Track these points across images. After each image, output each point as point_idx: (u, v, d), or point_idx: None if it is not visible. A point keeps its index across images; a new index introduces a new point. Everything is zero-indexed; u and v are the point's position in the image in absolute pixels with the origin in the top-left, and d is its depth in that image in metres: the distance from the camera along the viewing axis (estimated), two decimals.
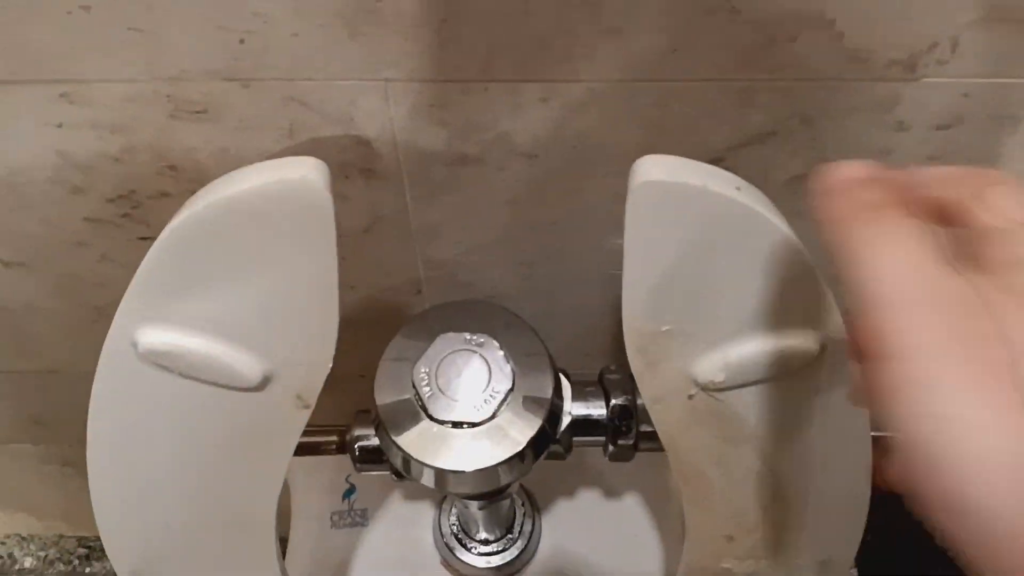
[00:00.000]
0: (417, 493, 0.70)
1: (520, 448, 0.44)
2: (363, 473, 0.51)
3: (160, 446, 0.46)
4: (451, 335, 0.47)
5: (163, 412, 0.45)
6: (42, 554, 1.08)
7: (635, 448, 0.49)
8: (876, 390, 0.26)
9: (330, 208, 0.38)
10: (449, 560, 0.68)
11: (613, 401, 0.48)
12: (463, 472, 0.44)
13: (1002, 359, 0.24)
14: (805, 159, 0.48)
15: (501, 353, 0.46)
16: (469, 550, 0.67)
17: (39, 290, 0.60)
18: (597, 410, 0.48)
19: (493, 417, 0.45)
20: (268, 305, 0.41)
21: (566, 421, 0.47)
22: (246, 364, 0.42)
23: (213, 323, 0.41)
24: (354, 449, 0.50)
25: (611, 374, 0.49)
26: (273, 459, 0.47)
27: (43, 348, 0.67)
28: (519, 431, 0.45)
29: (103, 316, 0.49)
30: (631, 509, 0.70)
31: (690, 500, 0.48)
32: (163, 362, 0.42)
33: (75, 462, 0.80)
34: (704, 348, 0.42)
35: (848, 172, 0.29)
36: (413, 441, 0.44)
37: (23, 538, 1.07)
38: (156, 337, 0.42)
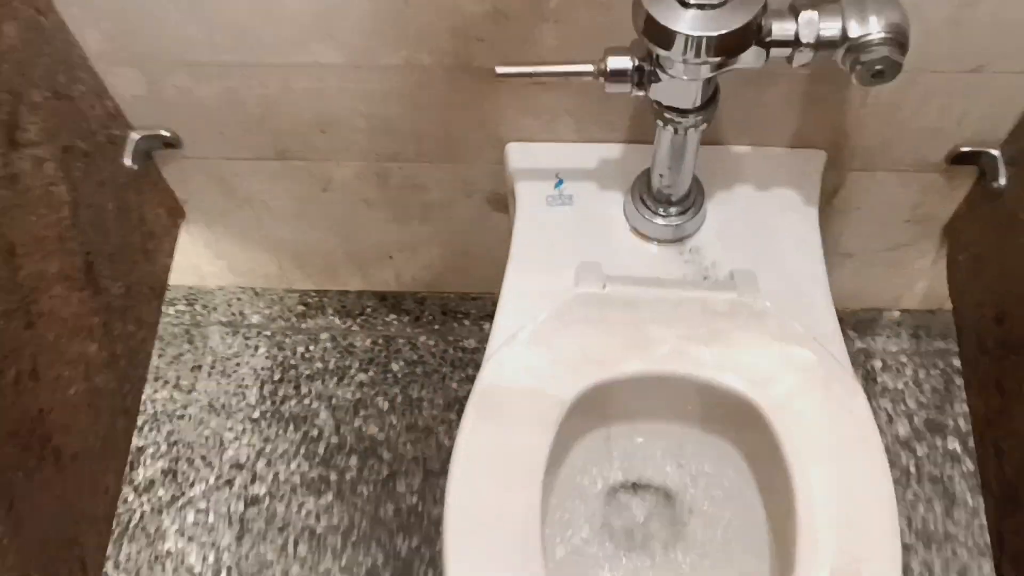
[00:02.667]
0: (610, 182, 0.86)
1: None
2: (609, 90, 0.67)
3: None
4: None
5: None
6: (267, 311, 1.27)
7: None
8: None
9: None
10: (636, 225, 0.84)
11: None
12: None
13: None
14: None
15: None
16: (652, 221, 0.83)
17: None
18: None
19: None
20: None
21: None
22: None
23: None
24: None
25: None
26: None
27: None
28: None
29: None
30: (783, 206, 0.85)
31: None
32: None
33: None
34: None
35: None
36: None
37: (256, 293, 1.25)
38: None
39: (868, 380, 1.20)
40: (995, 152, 0.85)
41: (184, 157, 0.94)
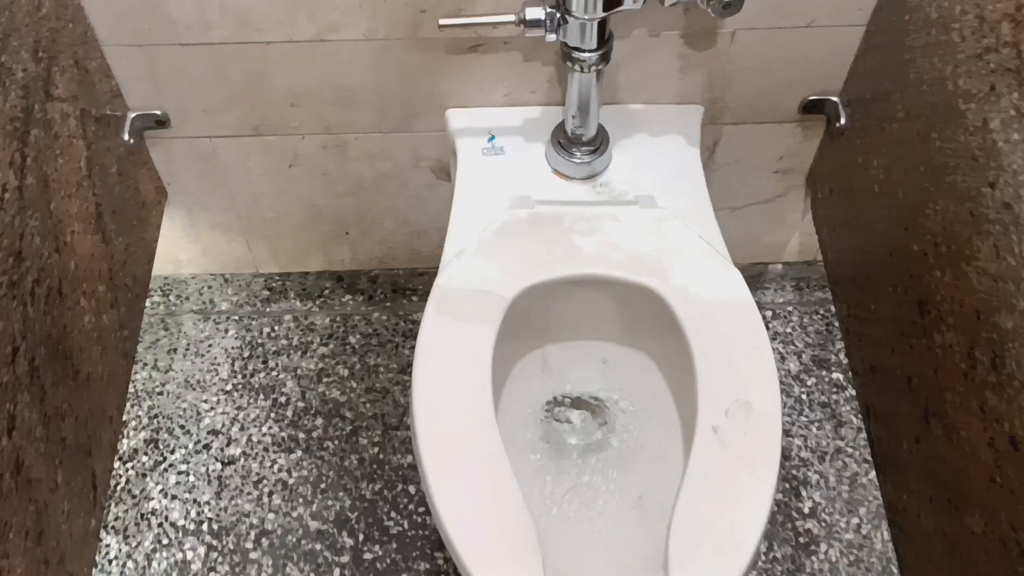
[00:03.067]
0: (533, 136, 1.04)
1: None
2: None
3: None
4: None
5: None
6: (235, 298, 1.40)
7: None
8: None
9: None
10: (557, 167, 1.01)
11: None
12: None
13: None
14: None
15: None
16: (569, 161, 1.00)
17: None
18: None
19: None
20: None
21: None
22: None
23: None
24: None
25: None
26: None
27: None
28: None
29: None
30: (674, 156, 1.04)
31: None
32: None
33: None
34: None
35: None
36: None
37: (225, 280, 1.39)
38: None
39: None
40: (835, 98, 1.05)
41: (172, 137, 1.09)
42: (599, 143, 1.01)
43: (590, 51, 0.87)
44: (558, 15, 0.84)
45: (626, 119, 1.06)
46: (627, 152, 1.04)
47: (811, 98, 1.06)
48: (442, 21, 0.86)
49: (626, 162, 1.03)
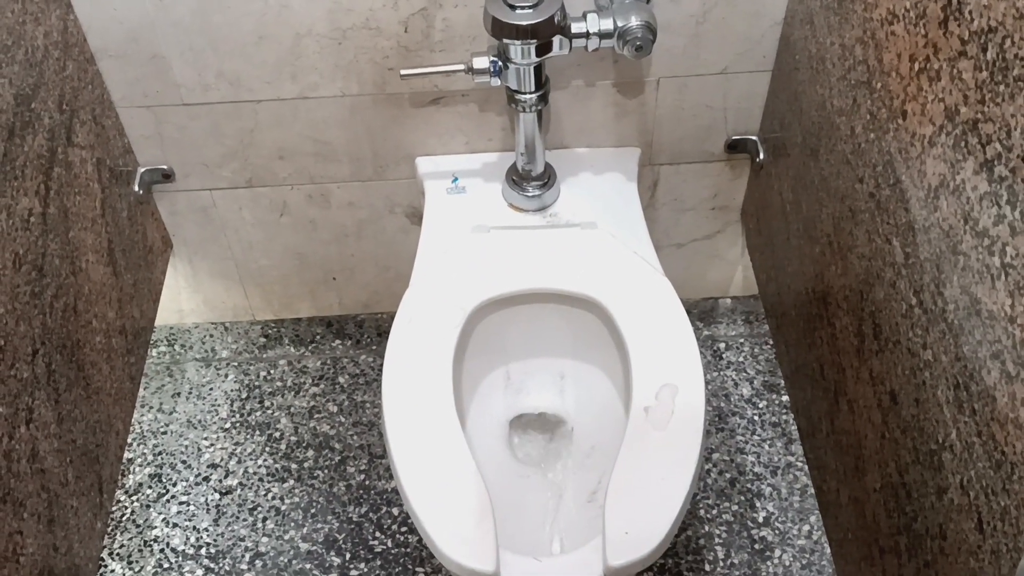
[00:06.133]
0: (491, 177, 1.17)
1: None
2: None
3: None
4: None
5: None
6: (234, 345, 1.52)
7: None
8: None
9: None
10: (512, 201, 1.14)
11: None
12: None
13: None
14: None
15: None
16: (522, 195, 1.14)
17: None
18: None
19: None
20: None
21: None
22: None
23: None
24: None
25: None
26: None
27: None
28: None
29: None
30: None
31: None
32: None
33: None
34: None
35: None
36: None
37: (225, 328, 1.50)
38: None
39: (716, 358, 1.49)
40: (755, 137, 1.19)
41: (176, 190, 1.22)
42: (547, 178, 1.14)
43: (529, 93, 1.01)
44: (499, 63, 0.99)
45: (572, 161, 1.20)
46: (573, 188, 1.17)
47: (734, 138, 1.20)
48: (403, 71, 1.00)
49: (572, 196, 1.16)
